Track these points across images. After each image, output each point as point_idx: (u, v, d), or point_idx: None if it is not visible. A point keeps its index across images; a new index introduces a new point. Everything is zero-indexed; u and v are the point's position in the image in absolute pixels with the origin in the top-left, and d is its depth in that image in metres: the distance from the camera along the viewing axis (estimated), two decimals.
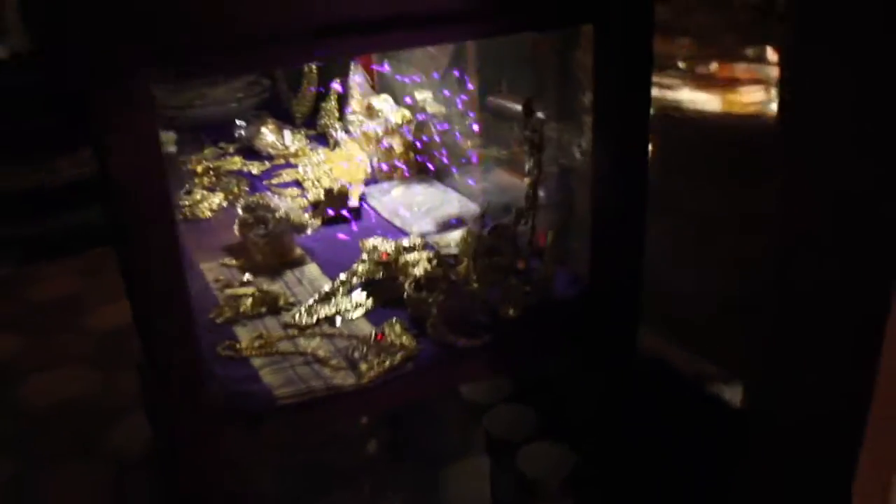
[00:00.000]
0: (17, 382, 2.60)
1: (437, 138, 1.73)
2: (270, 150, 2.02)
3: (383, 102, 1.78)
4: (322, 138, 2.07)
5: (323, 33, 0.86)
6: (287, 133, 2.03)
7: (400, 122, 1.73)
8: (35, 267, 3.67)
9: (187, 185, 1.82)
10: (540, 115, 1.22)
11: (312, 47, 0.89)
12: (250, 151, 2.07)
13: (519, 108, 1.25)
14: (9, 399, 2.50)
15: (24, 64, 5.36)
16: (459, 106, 1.63)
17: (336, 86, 1.98)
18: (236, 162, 2.01)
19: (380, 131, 1.76)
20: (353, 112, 1.89)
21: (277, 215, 1.46)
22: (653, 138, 1.19)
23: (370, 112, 1.80)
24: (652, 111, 1.16)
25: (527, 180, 1.26)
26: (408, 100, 1.78)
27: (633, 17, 1.09)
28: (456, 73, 1.61)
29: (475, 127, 1.62)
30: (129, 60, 0.76)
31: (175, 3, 0.76)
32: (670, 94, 1.22)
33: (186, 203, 1.72)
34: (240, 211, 1.52)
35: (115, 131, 0.79)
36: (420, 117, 1.75)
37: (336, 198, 1.61)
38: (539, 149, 1.21)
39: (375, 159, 1.80)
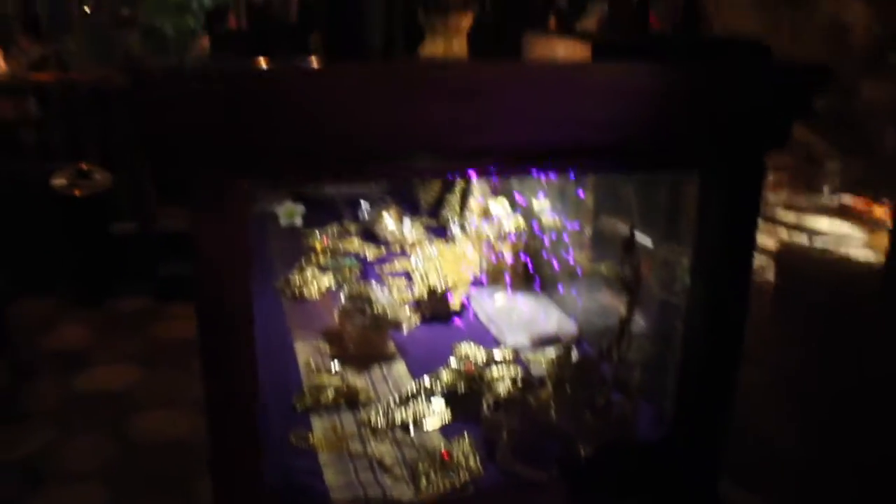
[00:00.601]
0: (131, 414, 2.74)
1: (546, 250, 1.72)
2: (388, 237, 2.07)
3: (499, 206, 1.80)
4: (441, 230, 2.11)
5: (449, 156, 0.88)
6: (407, 222, 2.08)
7: (513, 229, 1.74)
8: (169, 304, 3.88)
9: (302, 261, 1.89)
10: (645, 245, 1.20)
11: (443, 168, 0.91)
12: (369, 234, 2.13)
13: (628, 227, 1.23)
14: (120, 429, 2.64)
15: None
16: (573, 226, 1.62)
17: (459, 179, 2.02)
18: (354, 243, 2.07)
19: (492, 235, 1.77)
20: (471, 211, 1.91)
21: (377, 310, 1.49)
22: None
23: (486, 213, 1.82)
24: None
25: (621, 311, 1.24)
26: (522, 201, 1.79)
27: (740, 166, 1.06)
28: (579, 193, 1.61)
29: (585, 243, 1.61)
30: (230, 170, 0.80)
31: (293, 121, 0.80)
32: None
33: (297, 281, 1.78)
34: (343, 299, 1.56)
35: (208, 224, 0.83)
36: (533, 226, 1.75)
37: (438, 300, 1.63)
38: (634, 290, 1.19)
39: (484, 262, 1.81)
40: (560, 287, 1.69)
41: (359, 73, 0.78)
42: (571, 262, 1.64)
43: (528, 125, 0.86)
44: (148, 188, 4.57)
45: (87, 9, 7.38)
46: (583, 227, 1.60)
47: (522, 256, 1.77)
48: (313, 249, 2.00)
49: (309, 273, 1.82)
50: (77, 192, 4.44)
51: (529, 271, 1.78)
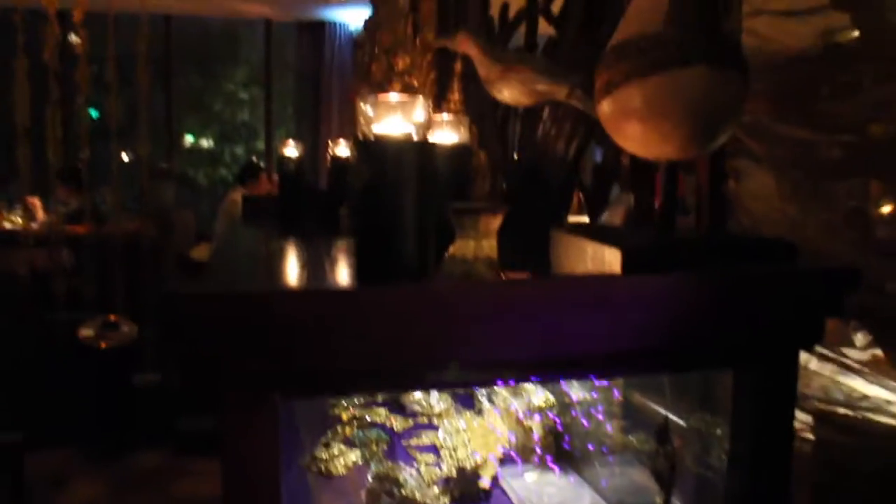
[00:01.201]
0: None
1: (577, 426, 1.70)
2: (416, 408, 2.05)
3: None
4: (469, 398, 2.09)
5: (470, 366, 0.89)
6: (434, 392, 2.07)
7: (542, 404, 1.73)
8: (189, 460, 3.83)
9: (329, 435, 1.87)
10: (678, 423, 1.18)
11: (472, 380, 0.92)
12: (397, 404, 2.11)
13: (661, 411, 1.22)
14: None
15: None
16: (604, 400, 1.61)
17: None
18: (381, 414, 2.05)
19: (521, 409, 1.76)
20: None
21: (405, 493, 1.46)
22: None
23: (515, 388, 1.81)
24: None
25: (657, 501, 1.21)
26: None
27: (775, 363, 1.06)
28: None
29: (616, 419, 1.59)
30: (263, 386, 0.81)
31: (317, 342, 0.82)
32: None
33: (323, 457, 1.76)
34: (370, 479, 1.53)
35: (237, 438, 0.83)
36: (563, 401, 1.74)
37: (468, 478, 1.60)
38: (668, 483, 1.16)
39: (514, 437, 1.78)
40: (592, 465, 1.65)
41: (394, 296, 0.80)
42: (603, 440, 1.61)
43: (561, 338, 0.87)
44: None
45: (125, 156, 7.68)
46: (613, 403, 1.59)
47: (552, 432, 1.74)
48: (339, 420, 1.98)
49: (335, 448, 1.80)
50: (103, 345, 4.49)
51: (560, 448, 1.75)
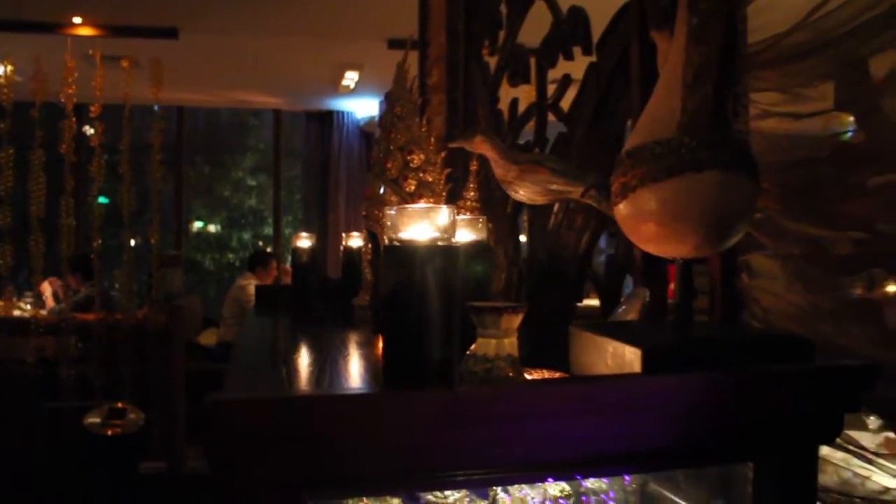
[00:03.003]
0: None
1: None
2: (430, 497, 2.03)
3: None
4: (484, 491, 2.07)
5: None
6: None
7: (558, 494, 1.71)
8: None
9: None
10: None
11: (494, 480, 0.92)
12: (410, 495, 2.09)
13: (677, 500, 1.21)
14: None
15: (228, 352, 5.93)
16: (619, 489, 1.60)
17: None
18: (393, 503, 2.03)
19: (537, 499, 1.74)
20: None
21: None
22: None
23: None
24: None
25: None
26: None
27: (794, 458, 1.07)
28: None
29: None
30: (292, 486, 0.82)
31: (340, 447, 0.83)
32: None
33: None
34: None
35: None
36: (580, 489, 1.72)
37: None
38: None
39: None
40: None
41: (423, 402, 0.82)
42: None
43: (585, 439, 0.88)
44: (179, 427, 4.58)
45: (132, 242, 7.77)
46: (628, 492, 1.58)
47: None
48: None
49: None
50: (109, 432, 4.46)
51: None
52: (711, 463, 1.15)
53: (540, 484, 1.77)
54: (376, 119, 7.67)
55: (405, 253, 0.90)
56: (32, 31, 5.04)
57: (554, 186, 1.30)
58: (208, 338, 6.25)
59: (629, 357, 0.99)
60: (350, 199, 7.82)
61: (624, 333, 1.05)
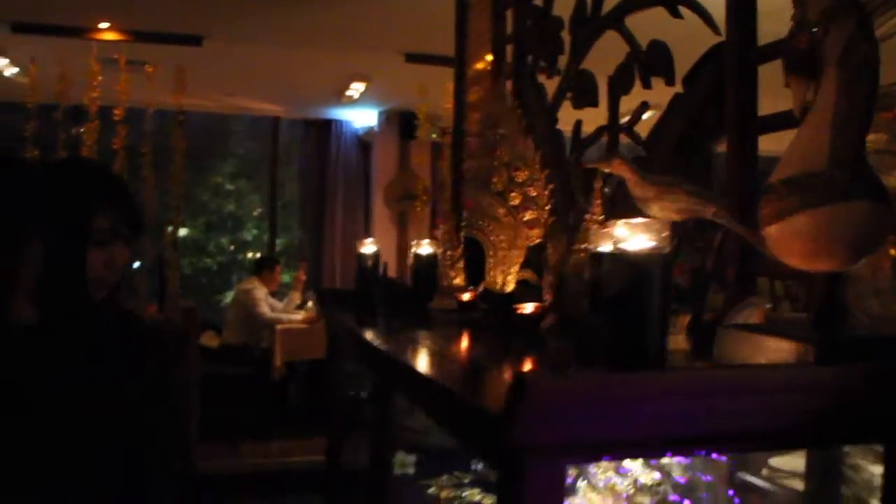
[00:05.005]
0: None
1: None
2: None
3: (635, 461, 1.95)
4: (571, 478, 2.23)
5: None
6: None
7: (649, 483, 1.89)
8: None
9: None
10: None
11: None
12: (486, 484, 2.26)
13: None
14: None
15: (232, 355, 6.03)
16: (709, 478, 1.78)
17: None
18: (475, 494, 2.20)
19: (625, 490, 1.92)
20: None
21: None
22: None
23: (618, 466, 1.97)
24: None
25: None
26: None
27: None
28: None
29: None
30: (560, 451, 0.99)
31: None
32: None
33: None
34: None
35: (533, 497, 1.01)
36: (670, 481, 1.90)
37: None
38: None
39: None
40: None
41: (656, 381, 1.02)
42: None
43: (753, 415, 1.07)
44: (192, 427, 4.66)
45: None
46: (720, 486, 1.76)
47: None
48: (438, 499, 2.13)
49: None
50: None
51: None
52: (847, 442, 1.34)
53: (630, 471, 1.96)
54: (376, 129, 7.85)
55: (634, 260, 1.09)
56: (59, 35, 5.12)
57: (688, 206, 1.50)
58: (210, 339, 6.35)
59: (793, 351, 1.20)
60: (347, 207, 7.97)
61: (784, 331, 1.25)
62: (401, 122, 7.66)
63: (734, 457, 1.74)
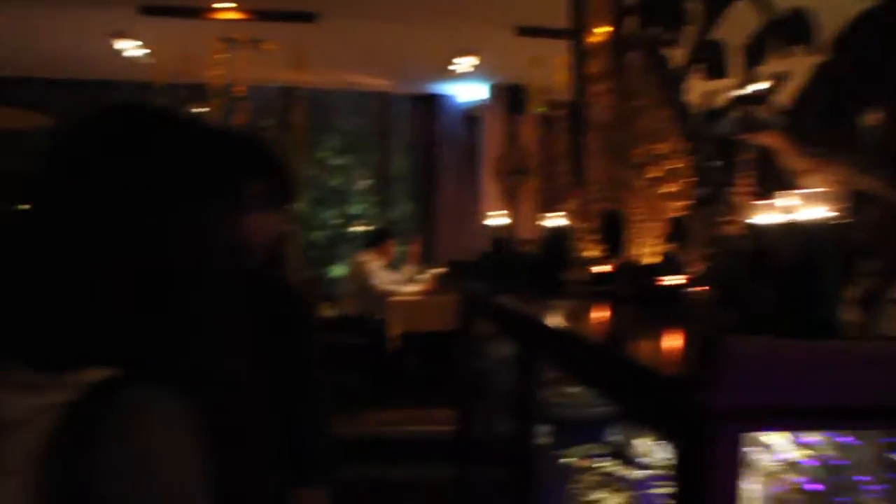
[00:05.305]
0: None
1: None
2: (645, 461, 2.20)
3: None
4: None
5: None
6: (660, 447, 2.21)
7: (798, 456, 1.85)
8: None
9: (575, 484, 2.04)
10: None
11: None
12: (622, 456, 2.26)
13: None
14: None
15: (349, 325, 6.19)
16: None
17: None
18: (607, 465, 2.21)
19: (777, 469, 1.88)
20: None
21: None
22: None
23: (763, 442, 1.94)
24: None
25: None
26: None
27: None
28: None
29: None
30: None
31: None
32: None
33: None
34: None
35: (708, 465, 1.01)
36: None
37: None
38: None
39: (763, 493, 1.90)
40: None
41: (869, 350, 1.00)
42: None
43: None
44: None
45: None
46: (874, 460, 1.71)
47: (807, 492, 1.86)
48: (572, 468, 2.15)
49: (593, 496, 1.97)
50: None
51: None
52: None
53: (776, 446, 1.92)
54: (485, 104, 7.86)
55: (811, 230, 1.07)
56: (183, 16, 5.32)
57: (846, 177, 1.45)
58: (323, 310, 6.52)
59: None
60: (455, 181, 8.03)
61: None
62: (509, 96, 7.64)
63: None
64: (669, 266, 1.91)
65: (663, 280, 1.81)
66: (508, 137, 7.61)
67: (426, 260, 6.96)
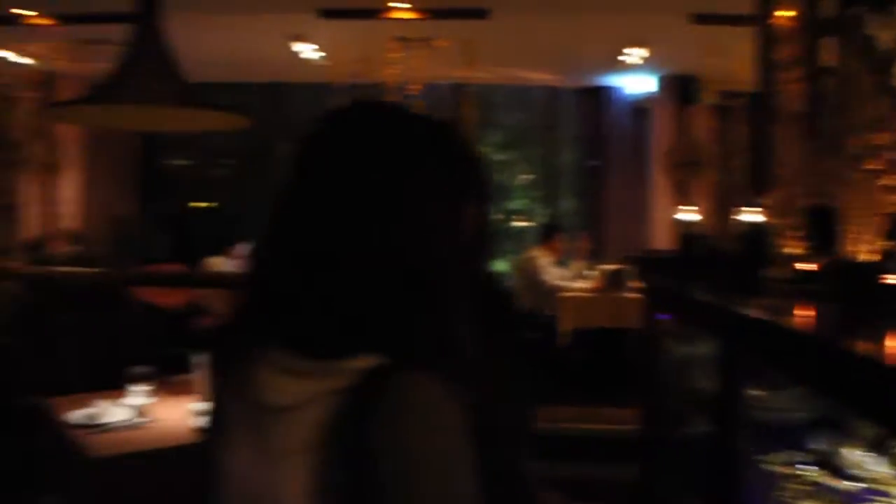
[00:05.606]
0: None
1: None
2: (855, 472, 2.07)
3: None
4: None
5: None
6: (871, 457, 2.08)
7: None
8: None
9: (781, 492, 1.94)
10: None
11: None
12: (827, 465, 2.13)
13: None
14: None
15: (521, 320, 6.20)
16: None
17: None
18: (813, 475, 2.09)
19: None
20: None
21: None
22: None
23: None
24: None
25: None
26: None
27: None
28: None
29: None
30: None
31: None
32: None
33: None
34: None
35: None
36: None
37: None
38: None
39: None
40: None
41: None
42: None
43: None
44: None
45: None
46: None
47: None
48: (774, 474, 2.05)
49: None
50: None
51: None
52: None
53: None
54: (655, 95, 7.66)
55: None
56: (359, 18, 5.49)
57: None
58: None
59: None
60: (623, 175, 7.88)
61: None
62: (679, 87, 7.40)
63: None
64: (891, 263, 1.78)
65: (886, 278, 1.69)
66: (679, 130, 7.37)
67: (595, 256, 6.86)
